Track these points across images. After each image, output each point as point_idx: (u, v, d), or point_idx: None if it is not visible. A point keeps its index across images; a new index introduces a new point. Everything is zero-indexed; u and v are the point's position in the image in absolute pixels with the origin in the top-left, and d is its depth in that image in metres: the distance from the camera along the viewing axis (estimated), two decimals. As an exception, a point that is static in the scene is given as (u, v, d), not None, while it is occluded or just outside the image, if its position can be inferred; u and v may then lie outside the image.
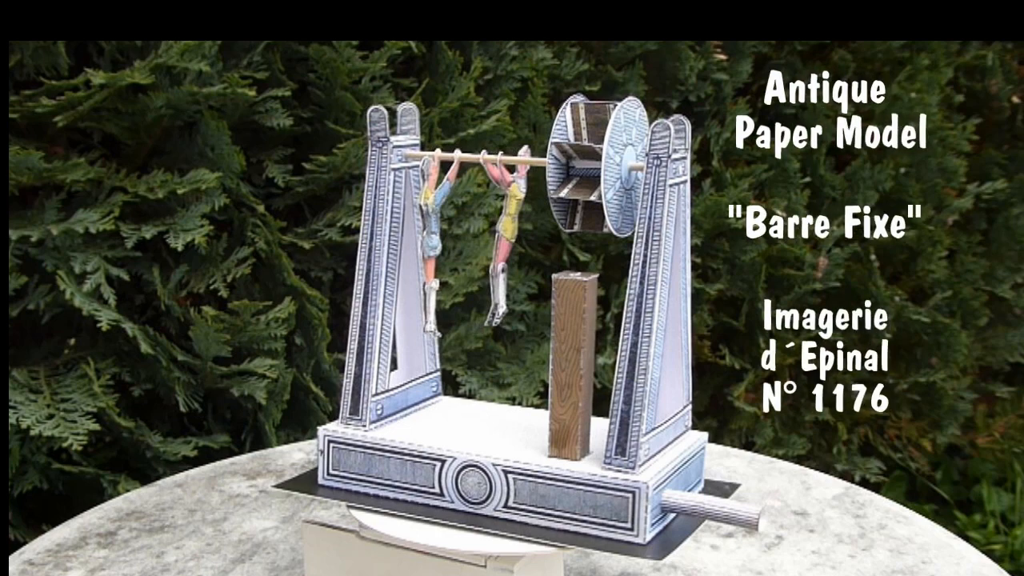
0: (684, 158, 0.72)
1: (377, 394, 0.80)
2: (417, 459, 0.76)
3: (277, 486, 0.82)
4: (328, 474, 0.80)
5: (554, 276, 0.74)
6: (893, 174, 1.99)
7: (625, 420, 0.71)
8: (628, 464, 0.71)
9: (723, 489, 0.81)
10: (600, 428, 0.75)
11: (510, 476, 0.73)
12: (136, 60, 1.29)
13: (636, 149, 0.75)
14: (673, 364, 0.76)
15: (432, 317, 0.80)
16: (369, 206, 0.80)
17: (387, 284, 0.79)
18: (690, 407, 0.79)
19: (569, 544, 0.71)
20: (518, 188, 0.78)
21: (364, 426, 0.79)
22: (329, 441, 0.79)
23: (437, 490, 0.76)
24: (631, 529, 0.70)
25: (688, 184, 0.74)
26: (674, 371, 0.76)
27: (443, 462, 0.75)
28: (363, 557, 0.77)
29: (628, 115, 0.74)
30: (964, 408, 2.12)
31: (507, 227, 0.78)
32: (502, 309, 0.78)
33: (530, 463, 0.73)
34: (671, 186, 0.71)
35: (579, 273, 0.74)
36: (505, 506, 0.74)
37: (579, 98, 0.76)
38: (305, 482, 0.81)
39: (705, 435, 0.80)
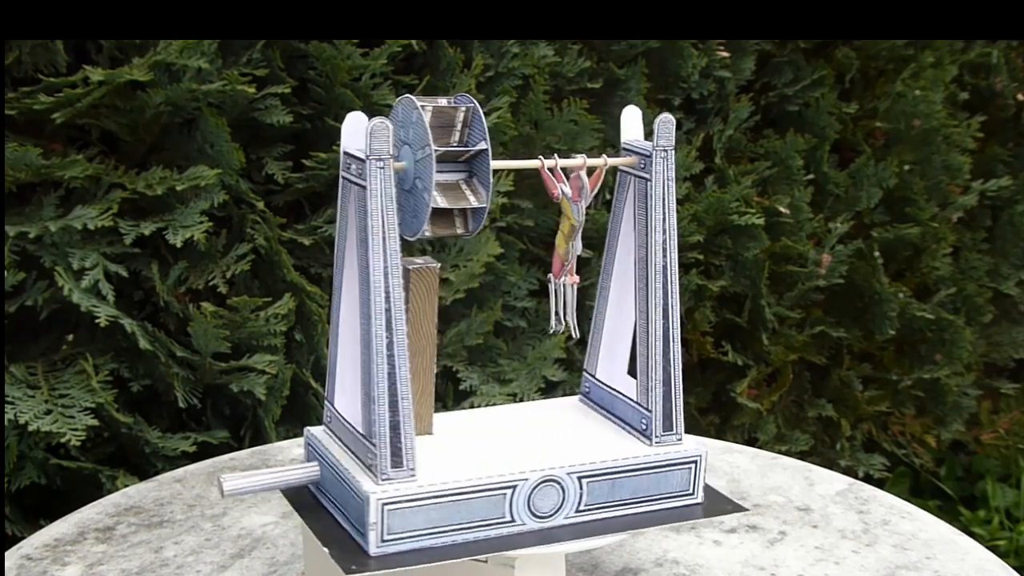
0: (383, 158, 0.69)
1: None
2: None
3: None
4: None
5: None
6: (897, 171, 1.98)
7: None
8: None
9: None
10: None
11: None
12: (135, 57, 1.29)
13: (412, 149, 0.72)
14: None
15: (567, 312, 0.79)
16: None
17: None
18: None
19: None
20: (569, 206, 0.75)
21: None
22: None
23: None
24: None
25: (376, 191, 0.70)
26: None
27: None
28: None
29: (404, 116, 0.72)
30: (968, 404, 2.11)
31: (557, 240, 0.77)
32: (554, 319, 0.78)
33: None
34: (345, 182, 0.72)
35: (422, 260, 0.76)
36: None
37: (442, 100, 0.74)
38: None
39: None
